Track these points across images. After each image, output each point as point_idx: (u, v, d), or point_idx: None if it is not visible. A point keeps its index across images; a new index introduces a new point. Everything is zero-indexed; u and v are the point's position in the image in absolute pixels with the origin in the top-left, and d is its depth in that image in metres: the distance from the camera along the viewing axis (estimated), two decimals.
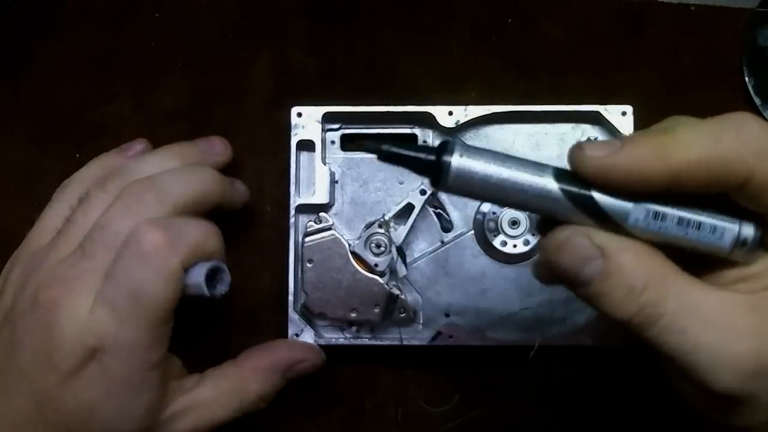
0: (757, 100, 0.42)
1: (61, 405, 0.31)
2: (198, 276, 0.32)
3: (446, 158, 0.24)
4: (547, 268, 0.27)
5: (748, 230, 0.25)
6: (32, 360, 0.31)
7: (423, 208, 0.40)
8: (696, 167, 0.24)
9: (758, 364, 0.24)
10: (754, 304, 0.24)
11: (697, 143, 0.24)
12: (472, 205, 0.41)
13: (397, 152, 0.25)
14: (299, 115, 0.41)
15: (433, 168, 0.25)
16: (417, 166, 0.25)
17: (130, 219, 0.32)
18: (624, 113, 0.40)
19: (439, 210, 0.41)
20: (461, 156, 0.24)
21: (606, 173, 0.25)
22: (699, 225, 0.25)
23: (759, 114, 0.42)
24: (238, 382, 0.35)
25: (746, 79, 0.42)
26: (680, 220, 0.25)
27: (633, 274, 0.25)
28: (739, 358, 0.24)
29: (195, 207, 0.35)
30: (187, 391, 0.34)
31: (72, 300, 0.31)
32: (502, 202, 0.26)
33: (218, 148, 0.40)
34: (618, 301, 0.25)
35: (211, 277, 0.33)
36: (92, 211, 0.33)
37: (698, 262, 0.26)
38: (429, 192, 0.40)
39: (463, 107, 0.40)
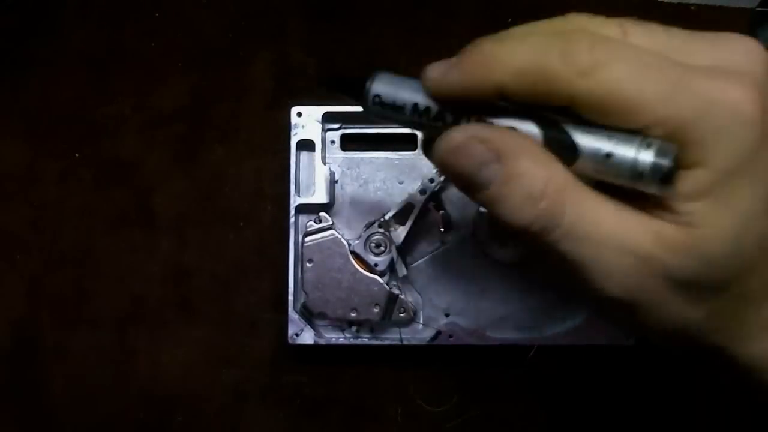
0: None
1: None
2: None
3: (367, 84, 0.28)
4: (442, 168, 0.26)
5: (645, 160, 0.22)
6: None
7: (423, 208, 0.40)
8: (518, 80, 0.24)
9: (644, 278, 0.24)
10: (648, 222, 0.24)
11: (522, 55, 0.24)
12: (472, 205, 0.41)
13: (334, 83, 0.30)
14: (299, 114, 0.41)
15: (357, 91, 0.28)
16: (347, 91, 0.29)
17: None
18: None
19: (439, 210, 0.41)
20: (375, 83, 0.28)
21: (445, 92, 0.26)
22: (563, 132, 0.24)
23: None
24: None
25: None
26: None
27: (532, 180, 0.24)
28: (628, 272, 0.24)
29: None
30: None
31: None
32: (405, 123, 0.27)
33: None
34: (516, 207, 0.25)
35: None
36: None
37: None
38: (429, 192, 0.40)
39: None
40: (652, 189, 0.23)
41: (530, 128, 0.25)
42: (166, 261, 0.43)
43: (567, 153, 0.24)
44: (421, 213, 0.40)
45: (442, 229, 0.41)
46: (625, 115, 0.23)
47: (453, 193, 0.41)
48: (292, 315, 0.39)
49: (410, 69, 0.44)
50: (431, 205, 0.41)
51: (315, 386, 0.41)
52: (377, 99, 0.28)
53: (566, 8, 0.44)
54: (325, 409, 0.41)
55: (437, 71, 0.26)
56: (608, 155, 0.23)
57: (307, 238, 0.39)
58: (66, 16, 0.45)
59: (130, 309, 0.42)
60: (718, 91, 0.23)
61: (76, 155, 0.44)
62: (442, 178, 0.40)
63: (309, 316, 0.40)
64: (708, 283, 0.25)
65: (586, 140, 0.24)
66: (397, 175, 0.41)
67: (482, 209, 0.41)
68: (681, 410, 0.41)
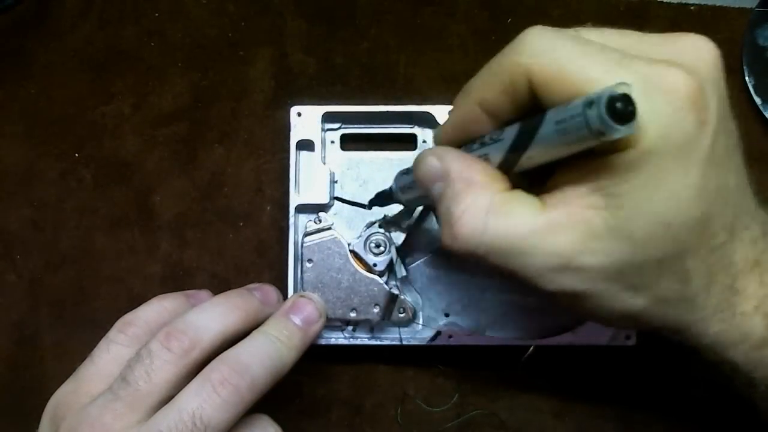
0: (758, 100, 0.42)
1: None
2: None
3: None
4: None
5: (596, 91, 0.23)
6: None
7: (423, 208, 0.40)
8: (489, 87, 0.27)
9: (573, 274, 0.26)
10: (576, 214, 0.26)
11: (481, 74, 0.28)
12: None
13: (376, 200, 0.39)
14: (299, 114, 0.41)
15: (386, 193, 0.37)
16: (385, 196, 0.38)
17: (228, 414, 0.30)
18: None
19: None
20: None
21: (448, 134, 0.30)
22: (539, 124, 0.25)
23: (760, 114, 0.42)
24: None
25: (746, 78, 0.42)
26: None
27: (453, 203, 0.27)
28: (557, 272, 0.26)
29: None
30: None
31: None
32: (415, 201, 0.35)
33: (272, 299, 0.37)
34: (444, 225, 0.28)
35: None
36: (156, 375, 0.30)
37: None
38: None
39: None
40: (611, 132, 0.22)
41: (497, 149, 0.27)
42: (166, 261, 0.43)
43: (533, 130, 0.25)
44: (422, 214, 0.40)
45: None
46: (574, 89, 0.24)
47: None
48: None
49: (410, 69, 0.44)
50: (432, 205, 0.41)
51: (314, 386, 0.41)
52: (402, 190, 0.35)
53: (566, 9, 0.44)
54: (325, 409, 0.41)
55: (441, 127, 0.31)
56: (568, 104, 0.24)
57: (307, 238, 0.39)
58: (66, 16, 0.45)
59: (130, 309, 0.42)
60: (657, 73, 0.24)
61: (76, 155, 0.44)
62: None
63: None
64: (638, 265, 0.26)
65: (553, 110, 0.25)
66: None
67: None
68: (681, 410, 0.41)
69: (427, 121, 0.41)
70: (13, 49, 0.45)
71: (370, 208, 0.41)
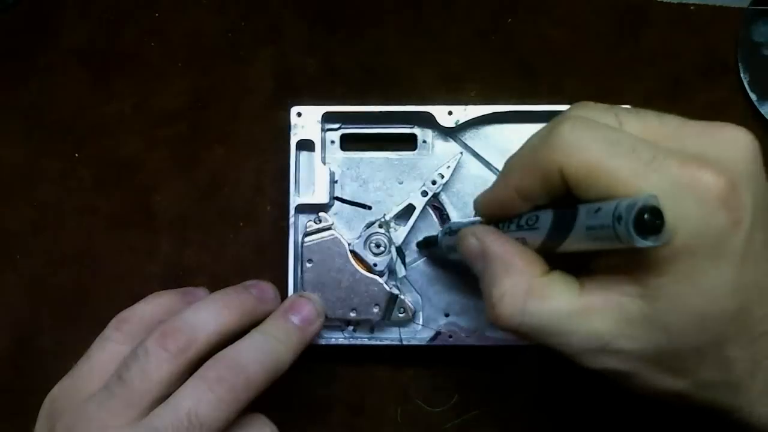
0: (753, 96, 0.42)
1: None
2: None
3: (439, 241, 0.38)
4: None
5: (625, 202, 0.23)
6: None
7: (423, 209, 0.40)
8: (525, 180, 0.28)
9: (611, 356, 0.27)
10: (612, 300, 0.27)
11: (518, 160, 0.29)
12: (472, 205, 0.41)
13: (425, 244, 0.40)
14: (299, 114, 0.41)
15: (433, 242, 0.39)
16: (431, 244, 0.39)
17: (223, 412, 0.30)
18: None
19: (438, 210, 0.41)
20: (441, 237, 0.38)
21: (484, 208, 0.32)
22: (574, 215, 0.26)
23: (756, 110, 0.42)
24: None
25: (741, 75, 0.42)
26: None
27: (494, 285, 0.29)
28: (595, 352, 0.27)
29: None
30: None
31: None
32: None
33: (269, 296, 0.37)
34: (486, 304, 0.29)
35: None
36: (152, 373, 0.31)
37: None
38: (431, 193, 0.40)
39: (463, 107, 0.40)
40: (639, 244, 0.23)
41: (533, 235, 0.28)
42: (166, 261, 0.43)
43: (566, 226, 0.26)
44: (421, 213, 0.40)
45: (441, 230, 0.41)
46: (605, 189, 0.25)
47: (453, 194, 0.41)
48: None
49: (410, 69, 0.44)
50: (431, 205, 0.41)
51: (315, 386, 0.41)
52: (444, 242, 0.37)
53: (566, 9, 0.44)
54: (325, 409, 0.41)
55: (480, 199, 0.32)
56: (597, 209, 0.25)
57: (307, 238, 0.40)
58: (66, 16, 0.45)
59: None
60: (688, 175, 0.25)
61: (76, 155, 0.44)
62: (443, 180, 0.40)
63: None
64: (675, 352, 0.27)
65: (584, 208, 0.26)
66: (397, 175, 0.41)
67: None
68: (683, 410, 0.41)
69: (427, 121, 0.41)
70: (13, 49, 0.45)
71: (370, 209, 0.41)
